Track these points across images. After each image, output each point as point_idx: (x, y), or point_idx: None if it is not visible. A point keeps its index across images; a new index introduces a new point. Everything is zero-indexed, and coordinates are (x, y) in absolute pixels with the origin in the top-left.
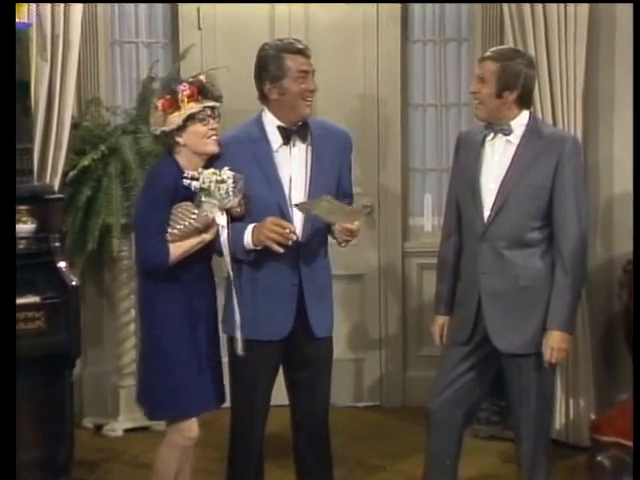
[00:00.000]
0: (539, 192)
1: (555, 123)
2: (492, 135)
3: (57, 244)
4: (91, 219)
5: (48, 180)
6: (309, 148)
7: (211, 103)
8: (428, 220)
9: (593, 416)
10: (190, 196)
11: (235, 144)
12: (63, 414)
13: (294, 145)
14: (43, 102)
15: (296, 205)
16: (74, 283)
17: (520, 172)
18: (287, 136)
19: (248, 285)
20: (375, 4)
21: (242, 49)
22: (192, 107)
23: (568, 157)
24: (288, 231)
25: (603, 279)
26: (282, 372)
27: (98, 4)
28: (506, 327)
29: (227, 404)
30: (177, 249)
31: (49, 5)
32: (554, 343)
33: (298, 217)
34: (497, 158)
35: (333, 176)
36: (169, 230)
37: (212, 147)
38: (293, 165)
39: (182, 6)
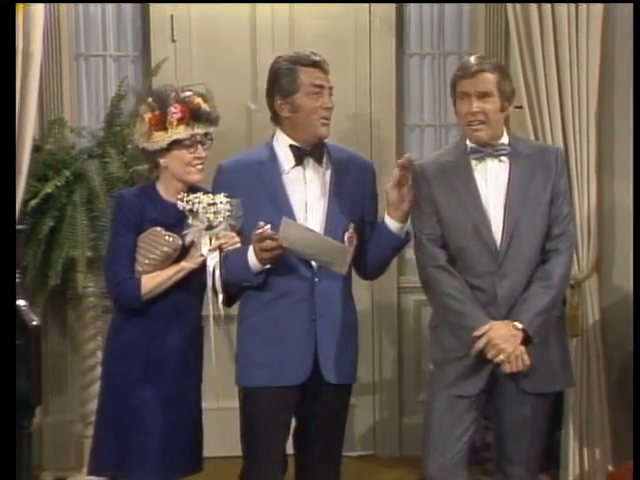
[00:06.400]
0: (544, 209)
1: (566, 147)
2: (478, 160)
3: (16, 280)
4: (54, 252)
5: None
6: (328, 172)
7: (202, 130)
8: None
9: (611, 467)
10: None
11: (238, 169)
12: (19, 469)
13: (308, 167)
14: None
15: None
16: (35, 323)
17: (522, 192)
18: (299, 156)
19: (258, 322)
20: (367, 12)
21: (220, 63)
22: (179, 132)
23: (562, 169)
24: (268, 241)
25: (620, 316)
26: None
27: (61, 13)
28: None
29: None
30: (151, 280)
31: None
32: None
33: None
34: (492, 184)
35: (356, 206)
36: (139, 259)
37: (195, 176)
38: (309, 189)
39: (154, 15)
